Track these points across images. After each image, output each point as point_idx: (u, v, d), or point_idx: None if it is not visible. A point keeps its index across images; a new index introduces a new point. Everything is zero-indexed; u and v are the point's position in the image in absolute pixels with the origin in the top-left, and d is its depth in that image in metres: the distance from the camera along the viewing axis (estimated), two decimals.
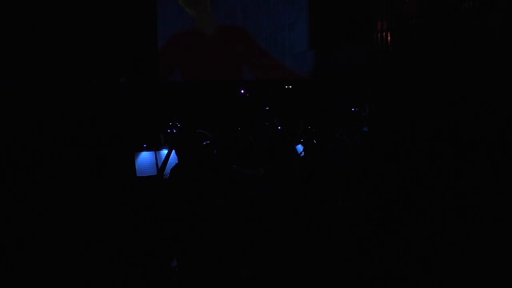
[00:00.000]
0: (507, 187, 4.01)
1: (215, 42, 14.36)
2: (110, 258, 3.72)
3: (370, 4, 13.69)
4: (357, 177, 4.89)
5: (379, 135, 7.05)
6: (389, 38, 13.22)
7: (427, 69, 10.69)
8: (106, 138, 5.96)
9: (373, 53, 13.50)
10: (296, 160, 5.98)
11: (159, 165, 5.16)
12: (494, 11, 9.91)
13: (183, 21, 14.48)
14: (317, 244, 3.92)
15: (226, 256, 3.79)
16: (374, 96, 11.85)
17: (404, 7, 12.78)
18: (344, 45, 13.57)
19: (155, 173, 5.17)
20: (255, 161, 5.82)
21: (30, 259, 3.62)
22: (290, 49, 14.27)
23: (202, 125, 8.33)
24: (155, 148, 5.45)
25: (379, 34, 13.51)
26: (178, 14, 14.46)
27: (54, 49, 11.76)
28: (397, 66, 12.20)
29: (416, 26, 12.12)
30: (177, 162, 4.96)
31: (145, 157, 5.32)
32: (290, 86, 14.52)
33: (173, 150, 5.11)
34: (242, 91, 14.31)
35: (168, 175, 4.43)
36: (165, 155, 5.03)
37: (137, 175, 5.19)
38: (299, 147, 6.26)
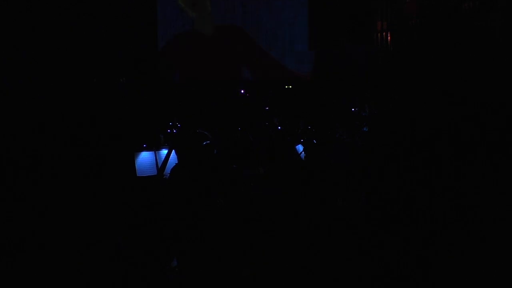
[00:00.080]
0: (507, 187, 4.01)
1: (215, 42, 14.37)
2: (110, 258, 3.72)
3: (370, 4, 13.69)
4: (357, 177, 4.88)
5: (379, 135, 7.04)
6: (389, 38, 13.22)
7: (427, 69, 10.69)
8: (106, 138, 5.96)
9: (373, 53, 13.50)
10: (296, 160, 5.98)
11: (159, 165, 5.16)
12: (494, 11, 9.91)
13: (183, 21, 14.49)
14: (317, 244, 3.92)
15: (226, 256, 3.79)
16: (374, 96, 11.85)
17: (404, 7, 12.78)
18: (344, 44, 13.57)
19: (155, 173, 5.17)
20: (255, 161, 5.82)
21: (30, 259, 3.62)
22: (290, 45, 14.25)
23: (202, 125, 8.32)
24: (155, 148, 5.45)
25: (379, 34, 13.51)
26: (178, 15, 14.47)
27: (54, 49, 11.76)
28: (397, 66, 12.20)
29: (416, 26, 12.12)
30: (177, 162, 4.96)
31: (145, 157, 5.32)
32: (290, 86, 14.52)
33: (173, 150, 5.11)
34: (242, 91, 14.31)
35: (168, 175, 4.43)
36: (165, 155, 5.03)
37: (137, 175, 5.18)
38: (299, 147, 6.25)
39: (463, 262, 3.44)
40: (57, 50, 11.77)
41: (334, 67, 13.49)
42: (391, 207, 4.09)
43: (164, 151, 5.28)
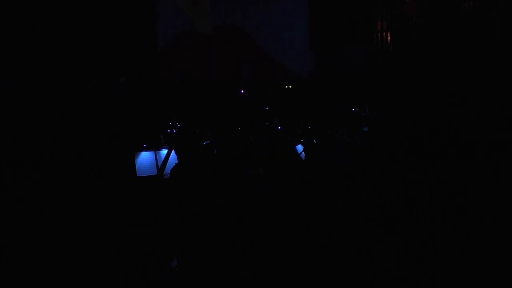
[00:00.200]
0: (507, 187, 4.02)
1: (215, 42, 14.38)
2: (110, 258, 3.72)
3: (370, 4, 13.69)
4: (357, 177, 4.88)
5: (379, 135, 7.05)
6: (389, 38, 13.22)
7: (427, 69, 10.69)
8: (106, 138, 5.96)
9: (373, 53, 13.51)
10: (296, 160, 5.97)
11: (159, 165, 5.16)
12: (494, 11, 9.91)
13: (183, 21, 14.50)
14: (317, 244, 3.92)
15: (226, 256, 3.79)
16: (374, 96, 11.85)
17: (404, 7, 12.79)
18: (344, 45, 13.58)
19: (155, 173, 5.17)
20: (255, 161, 5.81)
21: (30, 259, 3.62)
22: (290, 49, 14.28)
23: (202, 125, 8.32)
24: (155, 148, 5.45)
25: (379, 34, 13.52)
26: (178, 15, 14.47)
27: (54, 49, 11.76)
28: (397, 66, 12.21)
29: (416, 26, 12.12)
30: (177, 162, 4.96)
31: (145, 157, 5.32)
32: (290, 86, 14.52)
33: (173, 150, 5.11)
34: (242, 91, 14.31)
35: (168, 175, 4.43)
36: (165, 155, 5.03)
37: (137, 175, 5.18)
38: (299, 147, 6.25)
39: (463, 262, 3.44)
40: (57, 50, 11.77)
41: (334, 68, 13.51)
42: (391, 207, 4.09)
43: (164, 151, 5.28)
